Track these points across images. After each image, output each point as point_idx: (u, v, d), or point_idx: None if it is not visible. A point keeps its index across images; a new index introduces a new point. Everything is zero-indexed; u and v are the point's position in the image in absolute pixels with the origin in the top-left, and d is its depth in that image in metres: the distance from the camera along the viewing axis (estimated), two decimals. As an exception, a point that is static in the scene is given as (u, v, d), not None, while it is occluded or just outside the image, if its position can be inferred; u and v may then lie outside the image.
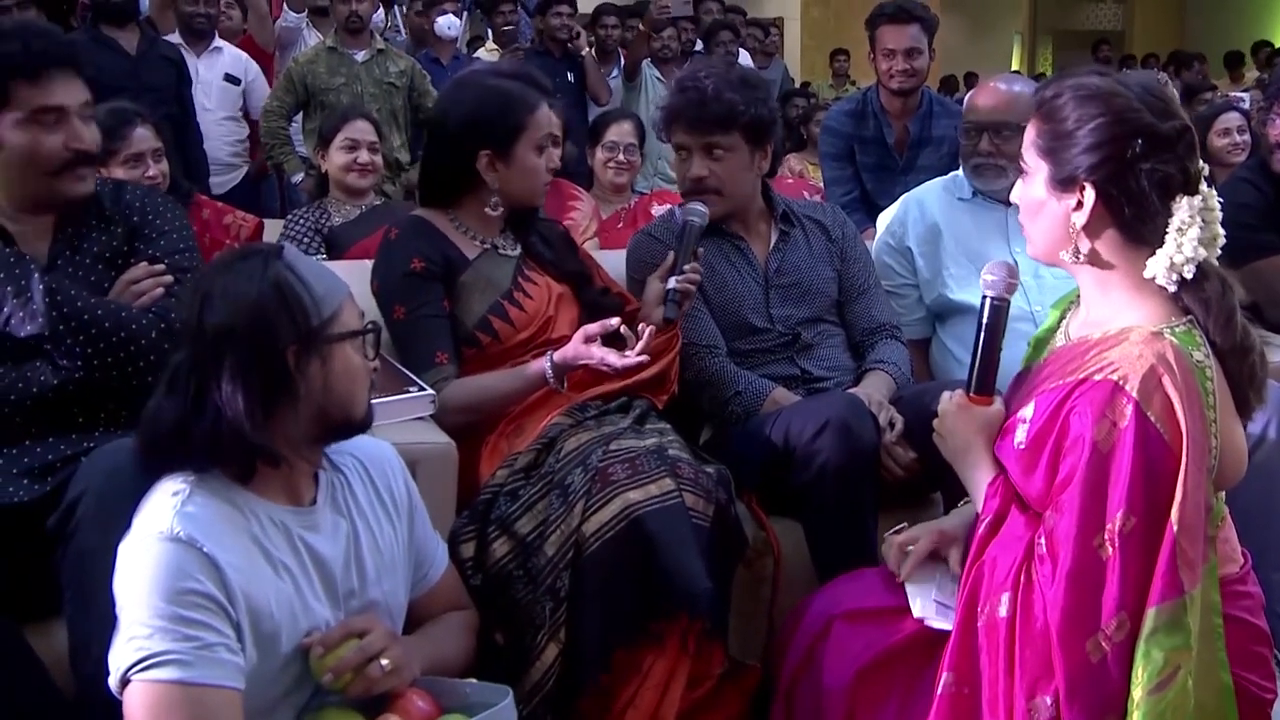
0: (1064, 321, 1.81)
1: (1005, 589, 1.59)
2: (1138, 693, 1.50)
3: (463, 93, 2.39)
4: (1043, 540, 1.58)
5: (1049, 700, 1.52)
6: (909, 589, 1.81)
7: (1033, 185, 1.69)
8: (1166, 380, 1.53)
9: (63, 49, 1.96)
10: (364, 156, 3.66)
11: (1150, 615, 1.50)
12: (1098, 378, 1.56)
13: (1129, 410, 1.52)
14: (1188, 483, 1.51)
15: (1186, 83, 8.64)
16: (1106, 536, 1.52)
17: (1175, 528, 1.50)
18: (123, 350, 1.96)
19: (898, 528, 1.91)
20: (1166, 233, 1.60)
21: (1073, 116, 1.62)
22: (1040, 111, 1.68)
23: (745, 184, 2.59)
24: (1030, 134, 1.69)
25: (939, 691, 1.62)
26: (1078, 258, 1.65)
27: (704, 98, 2.50)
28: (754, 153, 2.56)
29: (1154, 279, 1.62)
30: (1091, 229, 1.63)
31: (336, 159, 3.66)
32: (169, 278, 2.05)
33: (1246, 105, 5.11)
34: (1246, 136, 4.44)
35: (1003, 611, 1.58)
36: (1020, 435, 1.65)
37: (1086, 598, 1.52)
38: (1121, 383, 1.53)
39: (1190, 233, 1.59)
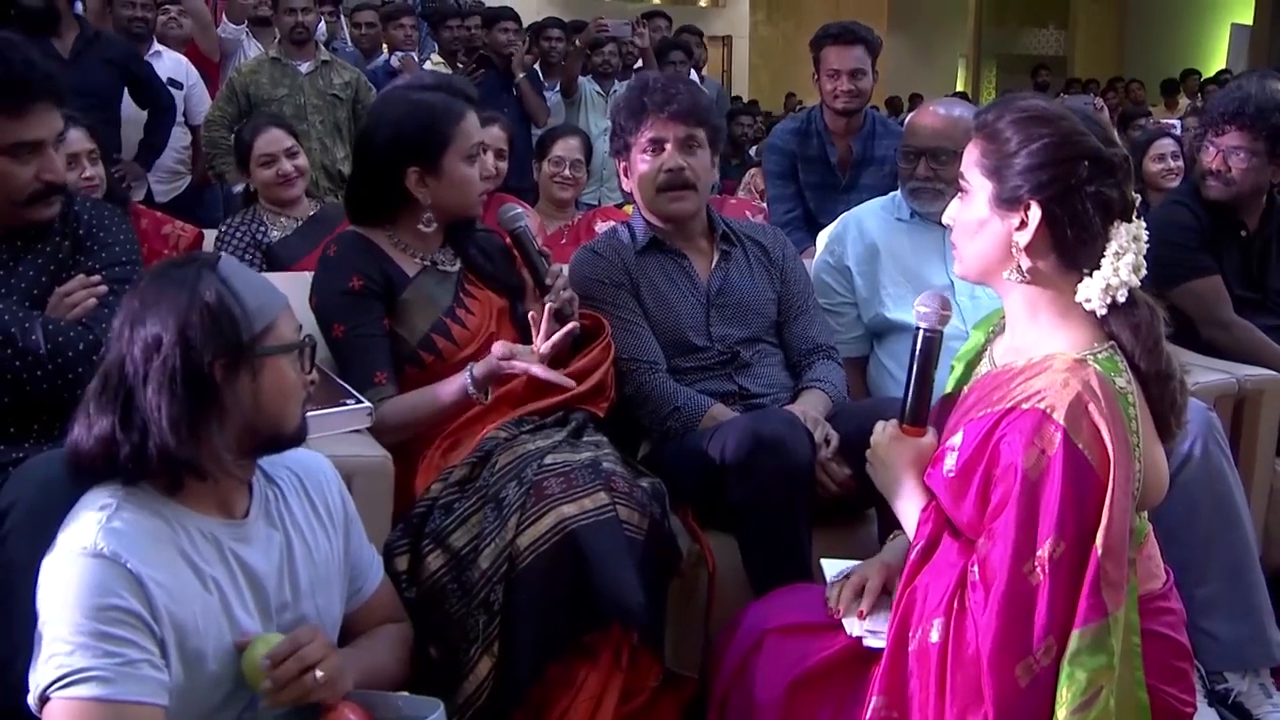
0: (989, 345, 1.83)
1: (937, 615, 1.60)
2: (1062, 713, 1.52)
3: (385, 110, 2.37)
4: (975, 568, 1.59)
5: None
6: (844, 618, 1.81)
7: (973, 204, 1.70)
8: (1092, 408, 1.56)
9: (47, 82, 1.94)
10: (285, 166, 3.51)
11: (1074, 637, 1.53)
12: (1025, 406, 1.58)
13: (1057, 438, 1.54)
14: (1114, 508, 1.54)
15: (1123, 109, 8.82)
16: (1037, 563, 1.54)
17: (1100, 551, 1.53)
18: (50, 364, 1.94)
19: (841, 570, 1.90)
20: (1103, 257, 1.63)
21: (1020, 136, 1.64)
22: (984, 132, 1.69)
23: (708, 185, 2.64)
24: (973, 153, 1.71)
25: (869, 715, 1.63)
26: (1021, 277, 1.67)
27: (678, 91, 2.57)
28: (712, 157, 2.62)
29: (1084, 303, 1.65)
30: (1031, 249, 1.65)
31: (260, 177, 3.54)
32: (103, 288, 2.02)
33: (1179, 132, 5.23)
34: (1180, 162, 4.55)
35: (934, 637, 1.60)
36: (949, 463, 1.67)
37: (1017, 623, 1.54)
38: (1049, 411, 1.56)
39: (1126, 258, 1.63)
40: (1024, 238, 1.65)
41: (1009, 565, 1.54)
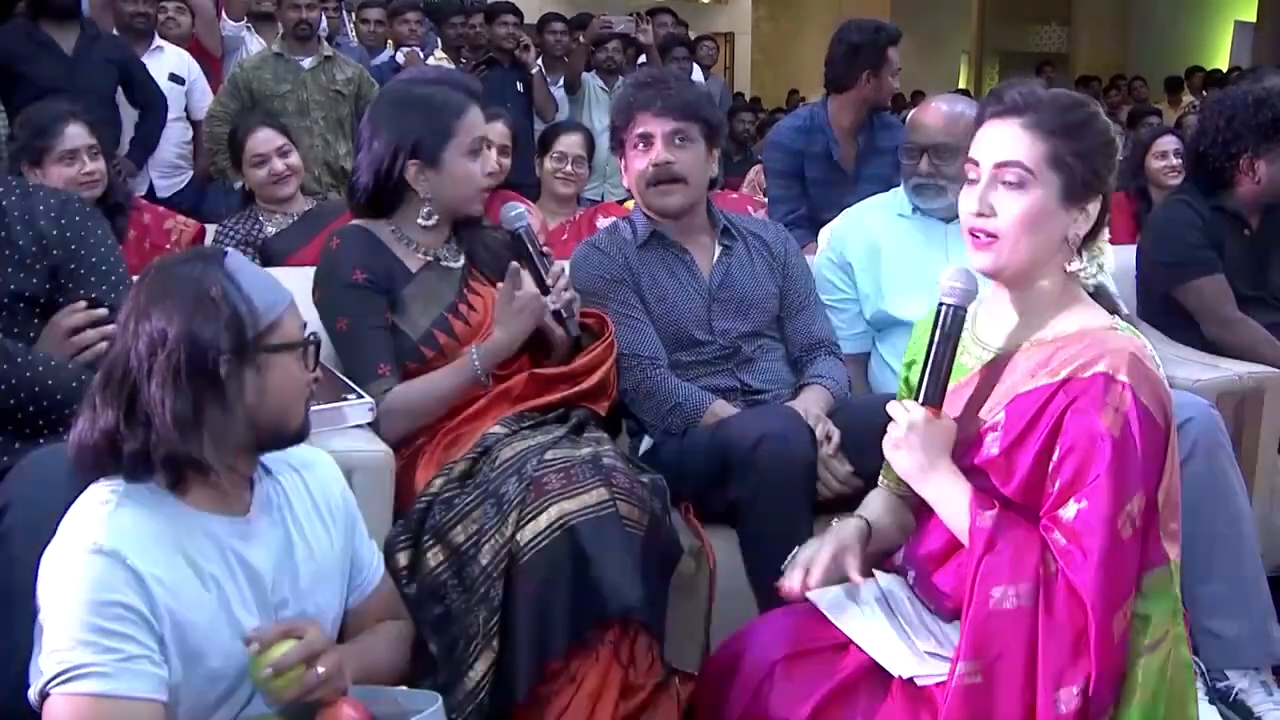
0: (969, 330, 1.83)
1: (1026, 580, 1.61)
2: (1138, 654, 1.59)
3: (387, 103, 2.37)
4: (1057, 534, 1.61)
5: (1075, 690, 1.56)
6: (878, 654, 1.75)
7: (1038, 197, 1.68)
8: (1148, 364, 1.62)
9: None
10: (277, 165, 3.53)
11: (1144, 581, 1.60)
12: (1085, 375, 1.62)
13: (1128, 397, 1.59)
14: (1172, 456, 1.61)
15: (1132, 107, 8.83)
16: (1129, 517, 1.58)
17: (1161, 499, 1.60)
18: (53, 412, 1.91)
19: (831, 597, 1.86)
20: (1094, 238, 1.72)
21: (1088, 131, 1.68)
22: (1038, 121, 1.68)
23: (702, 180, 2.62)
24: (1037, 144, 1.68)
25: (953, 682, 1.61)
26: (1080, 266, 1.71)
27: (669, 86, 2.58)
28: (708, 151, 2.62)
29: (1083, 280, 1.73)
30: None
31: (253, 177, 3.56)
32: (111, 327, 1.88)
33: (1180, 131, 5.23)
34: (1182, 160, 4.54)
35: (1024, 602, 1.61)
36: (993, 445, 1.68)
37: (1118, 578, 1.58)
38: (1113, 373, 1.60)
39: (1108, 236, 1.73)
40: (1083, 228, 1.69)
41: (1107, 524, 1.57)
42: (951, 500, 1.72)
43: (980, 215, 1.72)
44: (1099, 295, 1.78)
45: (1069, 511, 1.60)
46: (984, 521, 1.67)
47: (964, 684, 1.60)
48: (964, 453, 1.73)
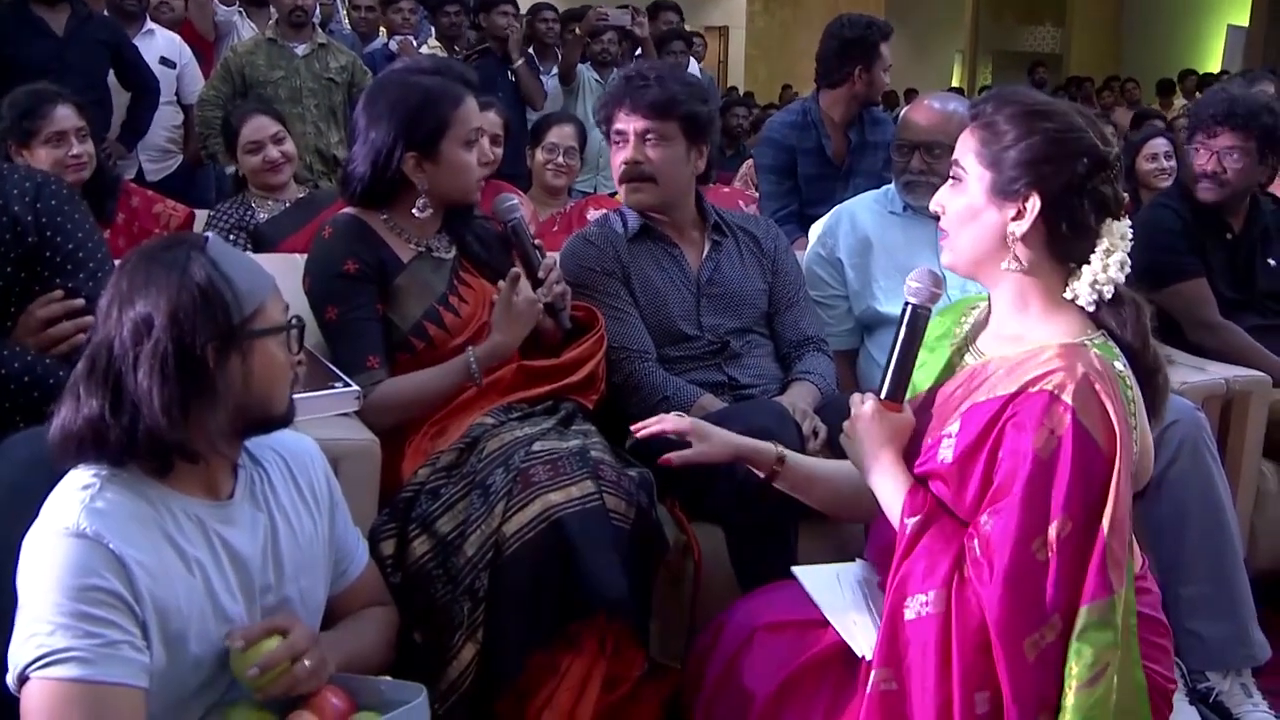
0: (959, 331, 1.83)
1: (936, 586, 1.61)
2: (1071, 686, 1.54)
3: (383, 94, 2.34)
4: (975, 543, 1.60)
5: (987, 695, 1.55)
6: (847, 633, 1.77)
7: (969, 193, 1.71)
8: (1099, 387, 1.57)
9: None
10: (271, 153, 3.50)
11: (1082, 613, 1.55)
12: (1033, 390, 1.59)
13: (1067, 419, 1.55)
14: (1119, 487, 1.56)
15: (1136, 110, 8.88)
16: (1045, 541, 1.55)
17: (1107, 530, 1.55)
18: (29, 408, 1.86)
19: (817, 574, 1.90)
20: (1093, 253, 1.66)
21: (1023, 129, 1.66)
22: (984, 121, 1.70)
23: (680, 178, 2.60)
24: (971, 142, 1.71)
25: (869, 689, 1.62)
26: (1020, 266, 1.68)
27: (646, 83, 2.55)
28: (690, 149, 2.58)
29: (1073, 298, 1.68)
30: (1025, 240, 1.67)
31: (247, 163, 3.54)
32: (89, 319, 1.85)
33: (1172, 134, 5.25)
34: (1173, 162, 4.57)
35: (934, 609, 1.60)
36: (946, 452, 1.67)
37: (1024, 600, 1.55)
38: (1058, 392, 1.57)
39: (1116, 255, 1.66)
40: (1020, 227, 1.66)
41: (1016, 543, 1.55)
42: (889, 496, 1.74)
43: (938, 213, 1.78)
44: (1112, 305, 1.71)
45: (989, 525, 1.59)
46: (909, 526, 1.68)
47: (880, 690, 1.61)
48: (920, 456, 1.74)
